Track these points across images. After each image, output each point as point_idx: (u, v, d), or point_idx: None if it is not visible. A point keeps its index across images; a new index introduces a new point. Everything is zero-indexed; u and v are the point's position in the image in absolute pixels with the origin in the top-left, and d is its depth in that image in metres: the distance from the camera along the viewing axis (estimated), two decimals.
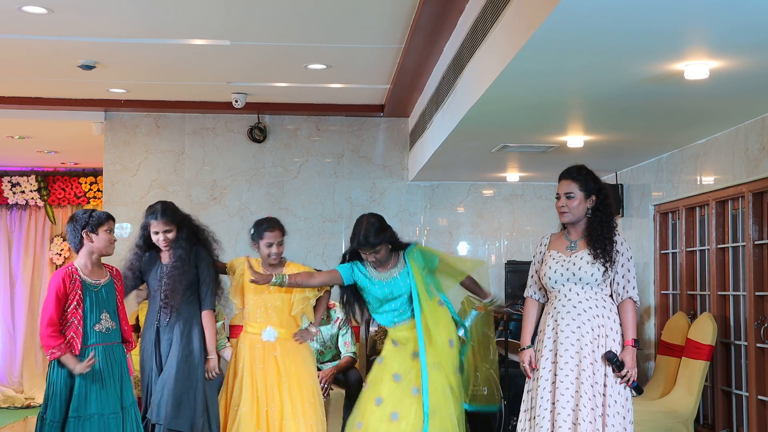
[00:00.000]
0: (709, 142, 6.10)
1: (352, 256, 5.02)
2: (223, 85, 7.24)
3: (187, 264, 4.98)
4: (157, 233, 4.98)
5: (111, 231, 4.48)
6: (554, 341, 4.29)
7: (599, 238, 4.29)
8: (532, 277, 4.55)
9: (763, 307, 5.60)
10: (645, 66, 4.18)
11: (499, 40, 4.32)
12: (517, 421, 4.57)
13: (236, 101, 7.42)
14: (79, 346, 4.31)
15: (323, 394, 6.12)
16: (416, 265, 4.91)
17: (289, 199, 8.14)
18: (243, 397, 5.03)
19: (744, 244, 5.78)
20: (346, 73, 6.82)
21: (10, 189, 9.99)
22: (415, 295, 4.88)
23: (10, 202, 10.01)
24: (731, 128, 5.75)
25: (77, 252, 4.47)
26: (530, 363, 4.40)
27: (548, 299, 4.43)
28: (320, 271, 5.43)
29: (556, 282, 4.33)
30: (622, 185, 7.67)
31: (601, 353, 4.22)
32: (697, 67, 4.13)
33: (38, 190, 10.02)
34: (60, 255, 10.10)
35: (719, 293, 6.15)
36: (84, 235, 4.40)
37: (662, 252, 7.16)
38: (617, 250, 4.30)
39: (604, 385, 4.21)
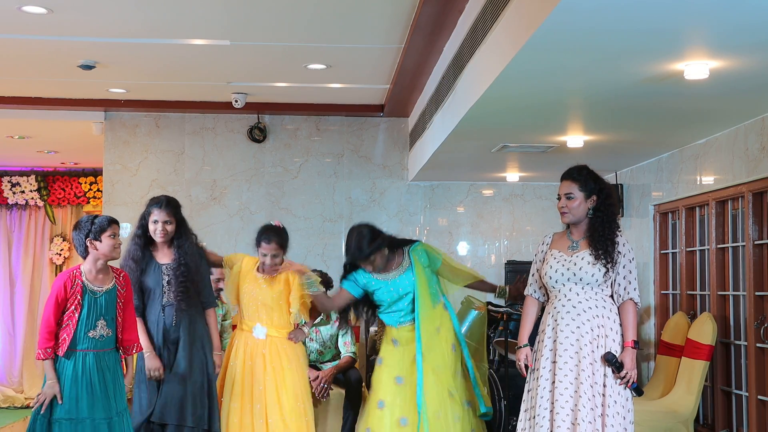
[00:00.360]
0: (709, 142, 6.10)
1: (351, 266, 5.00)
2: (223, 85, 7.24)
3: (193, 260, 4.97)
4: (156, 222, 4.92)
5: (114, 235, 4.45)
6: (554, 341, 4.29)
7: (600, 238, 4.29)
8: (533, 275, 4.55)
9: (763, 307, 5.60)
10: (645, 66, 4.18)
11: (499, 40, 4.32)
12: (517, 421, 4.57)
13: (236, 101, 7.42)
14: (66, 348, 4.31)
15: (323, 394, 6.13)
16: (420, 263, 4.90)
17: (289, 199, 8.14)
18: (233, 392, 5.06)
19: (744, 244, 5.78)
20: (346, 73, 6.82)
21: (10, 189, 9.99)
22: (417, 296, 4.86)
23: (10, 202, 10.02)
24: (731, 128, 5.75)
25: (84, 258, 4.48)
26: (526, 361, 4.41)
27: (549, 299, 4.44)
28: (321, 271, 5.42)
29: (556, 282, 4.33)
30: (621, 185, 7.67)
31: (600, 353, 4.22)
32: (697, 67, 4.13)
33: (38, 190, 10.03)
34: (60, 255, 10.10)
35: (719, 293, 6.15)
36: (88, 243, 4.41)
37: (662, 252, 7.16)
38: (619, 251, 4.29)
39: (604, 385, 4.21)
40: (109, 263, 4.54)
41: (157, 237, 4.94)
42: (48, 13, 5.24)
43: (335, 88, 7.32)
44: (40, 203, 10.08)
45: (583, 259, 4.29)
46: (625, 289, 4.29)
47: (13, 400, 9.61)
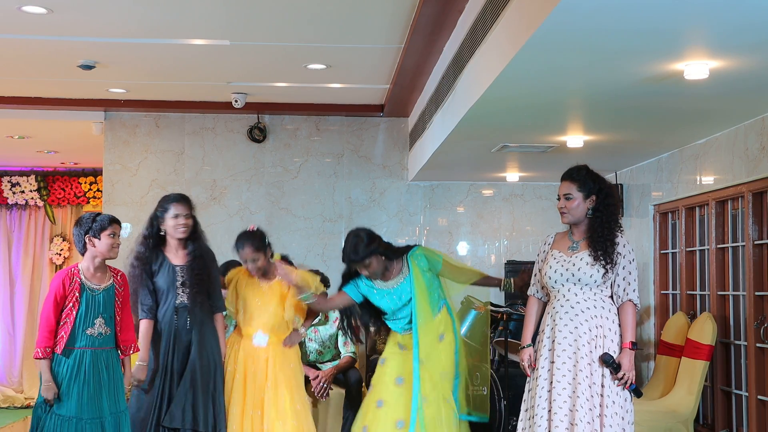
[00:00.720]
0: (708, 142, 6.10)
1: (350, 273, 4.98)
2: (222, 85, 7.24)
3: (209, 260, 4.95)
4: (177, 216, 4.83)
5: (114, 235, 4.45)
6: (552, 341, 4.30)
7: (600, 239, 4.28)
8: (535, 275, 4.55)
9: (762, 307, 5.60)
10: (645, 66, 4.18)
11: (498, 40, 4.32)
12: (517, 420, 4.58)
13: (236, 101, 7.42)
14: (63, 346, 4.31)
15: (323, 394, 6.13)
16: (419, 268, 4.86)
17: (289, 199, 8.14)
18: (233, 398, 5.05)
19: (744, 244, 5.78)
20: (346, 73, 6.82)
21: (10, 189, 9.99)
22: (415, 305, 4.83)
23: (9, 202, 10.02)
24: (731, 128, 5.75)
25: (83, 255, 4.47)
26: (529, 361, 4.41)
27: (549, 299, 4.44)
28: (319, 274, 5.42)
29: (555, 282, 4.33)
30: (621, 185, 7.67)
31: (599, 354, 4.22)
32: (696, 67, 4.13)
33: (38, 190, 10.02)
34: (60, 255, 10.10)
35: (719, 293, 6.15)
36: (87, 240, 4.41)
37: (662, 252, 7.16)
38: (619, 252, 4.28)
39: (602, 386, 4.21)
40: (108, 263, 4.54)
41: (179, 233, 4.85)
42: (48, 13, 5.24)
43: (335, 88, 7.32)
44: (40, 203, 10.08)
45: (582, 259, 4.29)
46: (624, 290, 4.29)
47: (13, 400, 9.61)
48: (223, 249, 5.58)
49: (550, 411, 4.21)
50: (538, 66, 4.19)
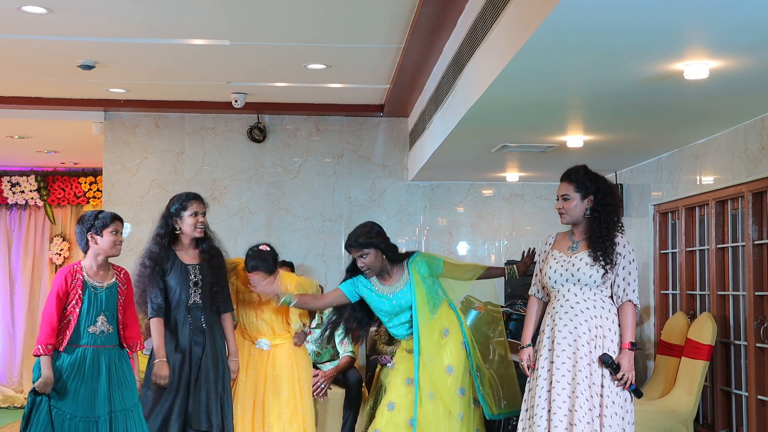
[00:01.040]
0: (708, 142, 6.10)
1: (352, 269, 4.96)
2: (222, 85, 7.24)
3: (222, 263, 4.94)
4: (196, 214, 4.83)
5: (116, 232, 4.43)
6: (552, 341, 4.30)
7: (598, 239, 4.28)
8: (536, 275, 4.55)
9: (762, 307, 5.60)
10: (645, 66, 4.18)
11: (498, 39, 4.32)
12: (517, 420, 4.58)
13: (236, 101, 7.42)
14: (65, 344, 4.31)
15: (322, 394, 6.13)
16: (419, 275, 4.84)
17: (289, 198, 8.14)
18: (236, 401, 5.05)
19: (744, 244, 5.78)
20: (345, 73, 6.82)
21: (10, 189, 9.99)
22: (415, 311, 4.81)
23: (9, 202, 10.02)
24: (731, 128, 5.75)
25: (85, 253, 4.46)
26: (529, 361, 4.41)
27: (549, 299, 4.44)
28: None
29: (555, 282, 4.33)
30: (621, 185, 7.67)
31: (598, 354, 4.22)
32: (696, 67, 4.13)
33: (38, 190, 10.03)
34: (60, 255, 10.10)
35: (719, 293, 6.15)
36: (89, 237, 4.40)
37: (662, 252, 7.16)
38: (618, 252, 4.28)
39: (602, 386, 4.21)
40: (110, 260, 4.53)
41: (197, 231, 4.85)
42: (48, 13, 5.23)
43: (335, 88, 7.32)
44: (40, 203, 10.08)
45: (581, 260, 4.29)
46: (624, 290, 4.28)
47: (12, 400, 9.61)
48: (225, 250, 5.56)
49: (549, 411, 4.21)
50: (537, 66, 4.19)
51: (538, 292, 4.54)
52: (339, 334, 6.37)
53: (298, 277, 5.39)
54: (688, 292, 6.65)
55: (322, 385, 6.14)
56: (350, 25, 5.59)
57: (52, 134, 8.53)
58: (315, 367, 6.32)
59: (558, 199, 4.40)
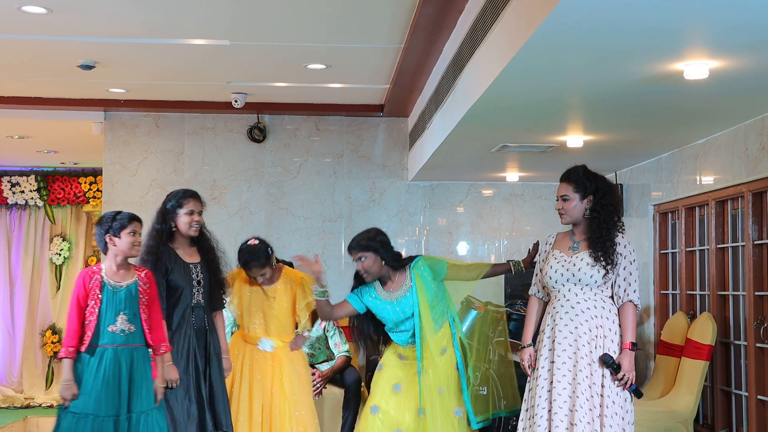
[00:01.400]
0: (708, 142, 6.10)
1: (358, 274, 4.92)
2: (222, 85, 7.24)
3: (221, 258, 4.91)
4: (192, 213, 4.76)
5: (135, 233, 4.41)
6: (552, 341, 4.30)
7: (599, 240, 4.28)
8: (536, 275, 4.55)
9: (762, 307, 5.60)
10: (645, 66, 4.18)
11: (498, 39, 4.32)
12: (517, 420, 4.58)
13: (236, 101, 7.42)
14: (87, 345, 4.32)
15: (316, 393, 6.14)
16: (422, 280, 4.80)
17: (289, 198, 8.14)
18: (239, 406, 5.04)
19: (744, 244, 5.78)
20: (345, 73, 6.82)
21: (10, 189, 9.99)
22: (418, 321, 4.77)
23: (9, 202, 10.02)
24: (731, 128, 5.75)
25: (105, 254, 4.46)
26: (529, 361, 4.41)
27: (549, 299, 4.44)
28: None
29: (556, 282, 4.33)
30: (621, 185, 7.67)
31: (599, 354, 4.22)
32: (696, 67, 4.13)
33: (38, 190, 10.02)
34: (60, 255, 10.10)
35: (719, 293, 6.15)
36: (107, 239, 4.40)
37: (662, 252, 7.16)
38: (619, 253, 4.28)
39: (602, 386, 4.21)
40: (131, 261, 4.52)
41: (193, 230, 4.79)
42: (48, 13, 5.23)
43: (335, 88, 7.32)
44: (40, 203, 10.08)
45: (582, 260, 4.29)
46: (624, 290, 4.28)
47: (12, 400, 9.61)
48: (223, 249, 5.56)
49: (550, 411, 4.21)
50: (537, 66, 4.19)
51: (538, 291, 4.54)
52: (331, 336, 6.38)
53: (294, 271, 5.34)
54: (688, 292, 6.65)
55: (318, 385, 6.15)
56: (350, 25, 5.59)
57: (52, 134, 8.53)
58: (312, 367, 6.33)
59: (557, 200, 4.40)
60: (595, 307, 4.26)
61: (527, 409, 4.39)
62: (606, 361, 4.19)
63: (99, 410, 4.30)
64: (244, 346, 5.14)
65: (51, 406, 9.49)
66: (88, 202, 10.05)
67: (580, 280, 4.27)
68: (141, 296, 4.44)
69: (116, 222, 4.40)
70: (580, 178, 4.35)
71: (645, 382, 6.72)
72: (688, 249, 6.69)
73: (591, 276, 4.25)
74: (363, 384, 6.59)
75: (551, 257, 4.41)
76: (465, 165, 7.34)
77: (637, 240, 7.42)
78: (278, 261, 5.33)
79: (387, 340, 5.01)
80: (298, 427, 5.05)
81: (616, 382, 4.20)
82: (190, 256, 4.85)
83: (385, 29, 5.65)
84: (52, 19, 5.36)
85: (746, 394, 5.77)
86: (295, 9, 5.28)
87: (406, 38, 5.70)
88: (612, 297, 4.32)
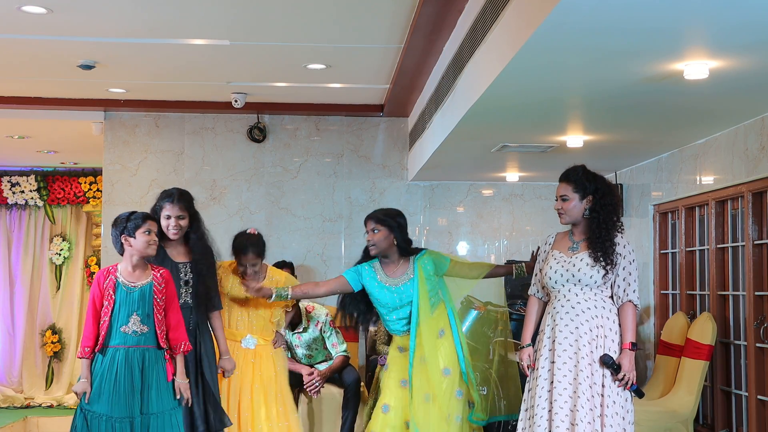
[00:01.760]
0: (708, 142, 6.10)
1: (366, 253, 4.94)
2: (222, 85, 7.24)
3: (212, 258, 4.88)
4: (169, 218, 4.73)
5: (150, 232, 4.40)
6: (553, 341, 4.30)
7: (598, 240, 4.28)
8: (536, 275, 4.55)
9: (762, 307, 5.60)
10: (645, 66, 4.18)
11: (498, 39, 4.32)
12: (517, 420, 4.58)
13: (236, 101, 7.42)
14: (100, 344, 4.33)
15: (315, 392, 6.14)
16: (423, 273, 4.82)
17: (289, 198, 8.14)
18: (223, 403, 5.02)
19: (743, 243, 5.78)
20: (345, 73, 6.82)
21: (10, 189, 9.99)
22: (415, 308, 4.79)
23: (9, 201, 10.02)
24: (731, 128, 5.75)
25: (122, 255, 4.45)
26: (528, 361, 4.41)
27: (548, 299, 4.44)
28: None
29: (556, 282, 4.33)
30: (621, 185, 7.67)
31: (599, 354, 4.22)
32: (696, 67, 4.13)
33: (38, 190, 10.02)
34: (60, 255, 10.10)
35: (719, 293, 6.15)
36: (123, 240, 4.40)
37: (662, 252, 7.16)
38: (619, 253, 4.28)
39: (603, 386, 4.21)
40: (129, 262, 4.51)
41: (170, 233, 4.74)
42: (48, 13, 5.23)
43: (335, 88, 7.32)
44: (40, 203, 10.08)
45: (582, 260, 4.29)
46: (624, 291, 4.29)
47: (12, 400, 9.60)
48: (223, 249, 5.56)
49: (550, 411, 4.22)
50: (537, 66, 4.19)
51: (537, 291, 4.54)
52: (328, 336, 6.38)
53: (280, 271, 5.34)
54: (688, 292, 6.65)
55: (317, 383, 6.16)
56: (350, 25, 5.59)
57: (52, 134, 8.53)
58: (310, 367, 6.33)
59: (557, 200, 4.40)
60: (595, 307, 4.26)
61: (527, 409, 4.39)
62: (606, 361, 4.19)
63: (112, 411, 4.30)
64: (228, 343, 5.11)
65: (51, 406, 9.50)
66: (88, 202, 10.05)
67: (579, 281, 4.27)
68: (156, 297, 4.41)
69: (131, 222, 4.41)
70: (580, 178, 4.35)
71: (645, 382, 6.72)
72: (688, 249, 6.69)
73: (590, 276, 4.25)
74: (363, 384, 6.59)
75: (551, 257, 4.41)
76: (465, 165, 7.34)
77: (637, 240, 7.42)
78: (285, 264, 5.37)
79: (386, 334, 5.03)
80: (280, 422, 5.05)
81: (617, 382, 4.20)
82: (180, 255, 4.82)
83: (385, 29, 5.65)
84: (52, 19, 5.36)
85: (746, 394, 5.77)
86: (295, 9, 5.28)
87: (406, 38, 5.70)
88: (612, 297, 4.32)
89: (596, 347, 4.22)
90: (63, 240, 10.14)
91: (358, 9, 5.27)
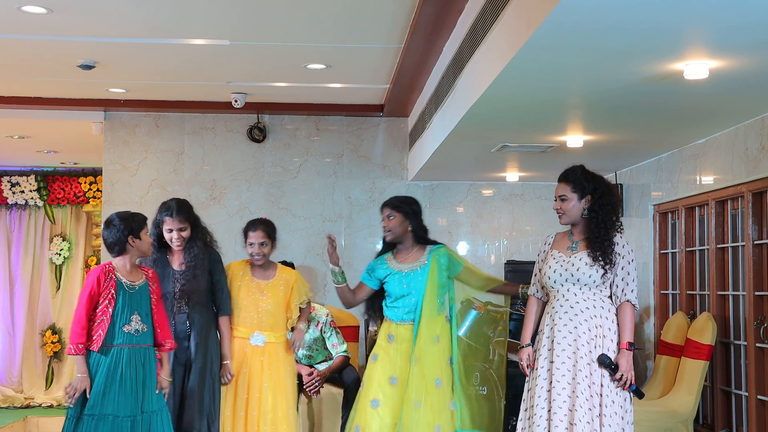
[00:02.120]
0: (708, 142, 6.10)
1: (385, 243, 5.01)
2: (222, 84, 7.24)
3: (203, 266, 4.90)
4: (171, 231, 4.84)
5: (149, 232, 4.54)
6: (552, 341, 4.30)
7: (597, 240, 4.28)
8: (535, 275, 4.55)
9: (762, 307, 5.60)
10: (645, 66, 4.18)
11: (498, 39, 4.32)
12: (517, 420, 4.58)
13: (236, 101, 7.42)
14: (100, 344, 4.31)
15: (314, 392, 6.14)
16: (437, 264, 4.84)
17: (289, 198, 8.14)
18: (226, 400, 5.03)
19: (743, 243, 5.78)
20: (345, 73, 6.82)
21: (10, 189, 9.99)
22: (421, 296, 4.79)
23: (9, 201, 10.02)
24: (731, 128, 5.75)
25: (119, 255, 4.46)
26: (528, 361, 4.41)
27: (548, 299, 4.44)
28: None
29: (555, 282, 4.33)
30: (621, 185, 7.67)
31: (598, 354, 4.21)
32: (696, 67, 4.13)
33: (38, 190, 10.02)
34: (60, 255, 10.10)
35: (719, 293, 6.15)
36: (129, 240, 4.42)
37: (662, 252, 7.16)
38: (618, 253, 4.28)
39: (601, 386, 4.21)
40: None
41: (175, 246, 4.87)
42: (48, 13, 5.24)
43: (335, 88, 7.32)
44: (40, 203, 10.08)
45: (581, 260, 4.29)
46: (622, 290, 4.28)
47: (12, 400, 9.60)
48: (223, 249, 5.56)
49: (549, 411, 4.21)
50: (537, 66, 4.19)
51: (537, 291, 4.54)
52: (327, 336, 6.38)
53: (289, 270, 5.37)
54: (688, 292, 6.65)
55: (317, 383, 6.15)
56: (350, 25, 5.59)
57: (52, 134, 8.53)
58: (310, 367, 6.32)
59: (556, 200, 4.40)
60: (594, 307, 4.26)
61: (526, 409, 4.39)
62: (603, 361, 4.18)
63: (118, 410, 4.31)
64: (234, 341, 5.11)
65: (51, 406, 9.50)
66: (88, 202, 10.05)
67: (578, 280, 4.27)
68: (151, 296, 4.49)
69: (136, 223, 4.46)
70: (578, 178, 4.35)
71: (645, 382, 6.72)
72: (688, 249, 6.69)
73: (590, 276, 4.25)
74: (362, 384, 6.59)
75: (550, 257, 4.41)
76: (465, 165, 7.34)
77: (637, 240, 7.42)
78: (286, 263, 5.39)
79: (374, 327, 5.05)
80: (282, 423, 5.06)
81: (616, 383, 4.20)
82: (177, 263, 4.92)
83: (385, 29, 5.65)
84: (52, 19, 5.36)
85: (746, 394, 5.77)
86: (295, 9, 5.28)
87: (406, 38, 5.71)
88: (610, 297, 4.32)
89: (595, 347, 4.22)
90: (63, 240, 10.14)
91: (358, 9, 5.27)
